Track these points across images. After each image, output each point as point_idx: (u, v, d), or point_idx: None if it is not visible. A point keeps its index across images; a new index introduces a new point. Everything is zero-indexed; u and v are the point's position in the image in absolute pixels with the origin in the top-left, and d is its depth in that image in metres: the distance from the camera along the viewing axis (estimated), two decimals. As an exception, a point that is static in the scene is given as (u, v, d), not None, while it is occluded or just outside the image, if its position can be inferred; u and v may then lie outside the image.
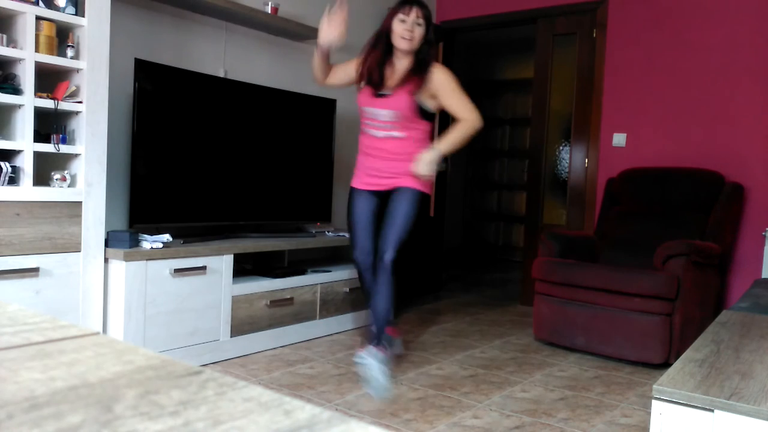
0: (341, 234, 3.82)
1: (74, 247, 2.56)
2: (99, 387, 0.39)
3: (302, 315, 3.40)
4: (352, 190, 2.87)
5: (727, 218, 3.61)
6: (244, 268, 3.38)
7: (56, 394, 0.37)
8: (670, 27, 4.04)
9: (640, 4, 4.15)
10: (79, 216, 2.58)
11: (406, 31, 2.61)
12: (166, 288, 2.77)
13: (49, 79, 2.57)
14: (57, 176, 2.51)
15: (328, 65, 2.81)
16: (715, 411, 1.19)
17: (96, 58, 2.59)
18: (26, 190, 2.41)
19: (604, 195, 4.13)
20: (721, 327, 1.83)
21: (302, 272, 3.43)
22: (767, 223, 3.71)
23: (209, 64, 3.47)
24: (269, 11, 3.59)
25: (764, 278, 3.29)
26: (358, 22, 4.46)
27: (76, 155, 2.59)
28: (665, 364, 3.09)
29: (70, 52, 2.54)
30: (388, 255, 2.66)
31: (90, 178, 2.60)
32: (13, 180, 2.39)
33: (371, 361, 2.58)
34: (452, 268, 6.51)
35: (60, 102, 2.50)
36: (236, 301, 3.05)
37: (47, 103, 2.46)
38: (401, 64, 2.69)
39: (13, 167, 2.39)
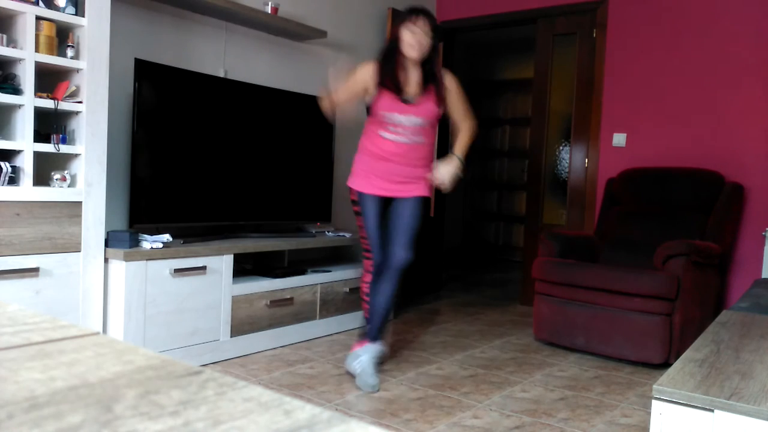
0: (341, 234, 3.82)
1: (74, 247, 2.56)
2: (99, 387, 0.39)
3: (302, 315, 3.40)
4: (363, 196, 2.82)
5: (727, 218, 3.61)
6: (244, 268, 3.38)
7: (56, 394, 0.37)
8: (670, 27, 4.04)
9: (640, 4, 4.15)
10: (79, 216, 2.58)
11: (415, 40, 2.68)
12: (166, 288, 2.77)
13: (49, 79, 2.57)
14: (57, 176, 2.51)
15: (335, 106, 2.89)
16: (715, 411, 1.19)
17: (96, 58, 2.59)
18: (26, 190, 2.41)
19: (604, 195, 4.13)
20: (721, 327, 1.83)
21: (302, 272, 3.43)
22: (767, 223, 3.71)
23: (209, 64, 3.48)
24: (269, 11, 3.59)
25: (764, 278, 3.29)
26: (359, 21, 4.46)
27: (76, 155, 2.59)
28: (665, 364, 3.09)
29: (70, 52, 2.54)
30: (408, 256, 2.80)
31: (90, 178, 2.60)
32: (13, 180, 2.39)
33: (365, 357, 2.76)
34: (452, 268, 6.51)
35: (60, 102, 2.50)
36: (236, 301, 3.05)
37: (47, 103, 2.46)
38: (412, 72, 2.76)
39: (13, 167, 2.39)
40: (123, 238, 2.70)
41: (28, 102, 2.41)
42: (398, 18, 2.85)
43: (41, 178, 2.53)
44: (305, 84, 4.04)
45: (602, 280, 3.23)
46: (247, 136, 3.40)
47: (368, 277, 2.89)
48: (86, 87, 2.56)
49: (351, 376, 2.81)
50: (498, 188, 7.50)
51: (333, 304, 3.60)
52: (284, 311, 3.30)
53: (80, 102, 2.56)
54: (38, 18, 2.43)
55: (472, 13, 4.88)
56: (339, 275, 3.62)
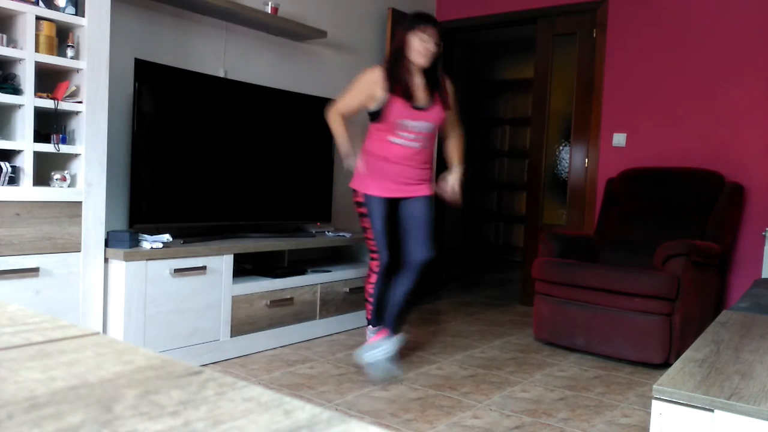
0: (341, 234, 3.82)
1: (74, 247, 2.56)
2: (99, 387, 0.39)
3: (302, 315, 3.40)
4: (370, 198, 2.85)
5: (727, 218, 3.61)
6: (244, 268, 3.39)
7: (56, 394, 0.37)
8: (670, 27, 4.04)
9: (640, 4, 4.15)
10: (79, 216, 2.58)
11: (425, 48, 2.74)
12: (166, 288, 2.77)
13: (49, 79, 2.57)
14: (57, 176, 2.51)
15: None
16: (715, 411, 1.19)
17: (96, 58, 2.59)
18: (26, 190, 2.41)
19: (604, 195, 4.13)
20: (721, 327, 1.83)
21: (302, 272, 3.43)
22: (767, 223, 3.71)
23: (209, 64, 3.48)
24: (269, 11, 3.59)
25: (764, 278, 3.29)
26: (359, 21, 4.46)
27: (76, 155, 2.59)
28: (665, 364, 3.09)
29: (70, 52, 2.54)
30: (429, 252, 2.89)
31: (90, 178, 2.60)
32: (13, 180, 2.39)
33: (384, 348, 2.86)
34: (452, 268, 6.51)
35: (60, 102, 2.50)
36: (236, 301, 3.05)
37: (47, 103, 2.46)
38: (417, 77, 2.81)
39: (13, 167, 2.39)
40: (123, 238, 2.70)
41: (28, 102, 2.41)
42: (401, 21, 2.89)
43: (41, 178, 2.53)
44: (305, 84, 4.04)
45: (602, 280, 3.23)
46: (247, 136, 3.40)
47: (374, 278, 2.91)
48: (86, 87, 2.56)
49: (360, 370, 2.82)
50: (498, 188, 7.50)
51: (333, 304, 3.60)
52: (284, 311, 3.30)
53: (80, 102, 2.56)
54: (38, 18, 2.43)
55: (472, 13, 4.88)
56: (339, 275, 3.62)
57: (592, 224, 4.28)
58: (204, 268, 2.91)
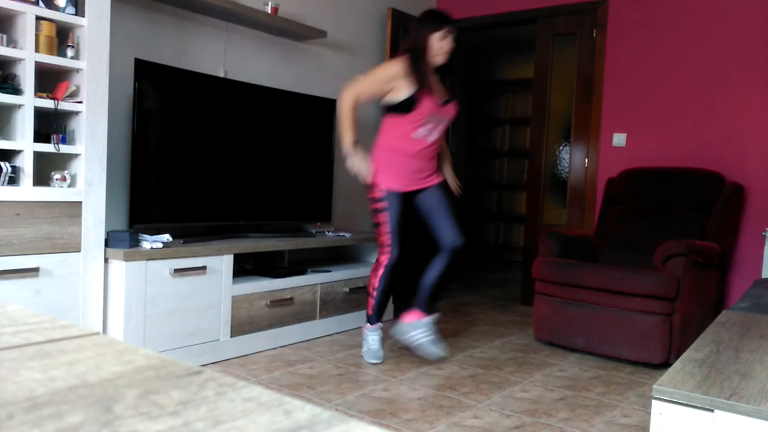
0: (341, 234, 3.82)
1: (74, 247, 2.56)
2: (99, 387, 0.39)
3: (302, 315, 3.40)
4: (392, 194, 2.95)
5: (727, 218, 3.61)
6: (244, 268, 3.39)
7: (56, 394, 0.37)
8: (669, 27, 4.04)
9: (640, 4, 4.15)
10: (79, 216, 2.58)
11: (443, 47, 2.90)
12: (166, 288, 2.77)
13: (49, 79, 2.57)
14: (57, 176, 2.51)
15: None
16: (715, 411, 1.19)
17: (96, 58, 2.59)
18: (26, 190, 2.41)
19: (604, 195, 4.13)
20: (721, 327, 1.83)
21: (302, 272, 3.43)
22: (767, 223, 3.71)
23: (209, 64, 3.48)
24: (269, 11, 3.59)
25: (764, 278, 3.28)
26: (359, 21, 4.46)
27: (76, 155, 2.59)
28: (665, 364, 3.09)
29: (70, 52, 2.54)
30: (461, 240, 3.03)
31: (90, 178, 2.60)
32: (13, 180, 2.39)
33: (424, 329, 3.04)
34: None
35: (60, 102, 2.50)
36: (236, 301, 3.05)
37: (47, 103, 2.46)
38: (433, 76, 2.97)
39: (13, 167, 2.39)
40: (123, 238, 2.70)
41: (28, 102, 2.41)
42: (416, 19, 3.03)
43: (41, 178, 2.53)
44: (305, 84, 4.04)
45: (602, 280, 3.23)
46: (247, 136, 3.40)
47: (381, 271, 3.05)
48: (86, 87, 2.56)
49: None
50: (498, 188, 7.50)
51: (333, 304, 3.60)
52: (284, 311, 3.30)
53: (80, 102, 2.56)
54: (38, 18, 2.43)
55: (472, 13, 4.88)
56: (339, 275, 3.63)
57: (592, 224, 4.28)
58: (204, 268, 2.91)
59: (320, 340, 3.44)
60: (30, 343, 0.48)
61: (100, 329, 2.67)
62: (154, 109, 2.96)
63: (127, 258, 2.63)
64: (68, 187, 2.55)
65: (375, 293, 3.05)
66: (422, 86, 2.85)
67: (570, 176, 4.50)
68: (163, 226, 3.04)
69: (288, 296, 3.31)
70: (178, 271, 2.81)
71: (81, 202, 2.58)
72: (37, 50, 2.43)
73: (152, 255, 2.71)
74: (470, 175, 7.58)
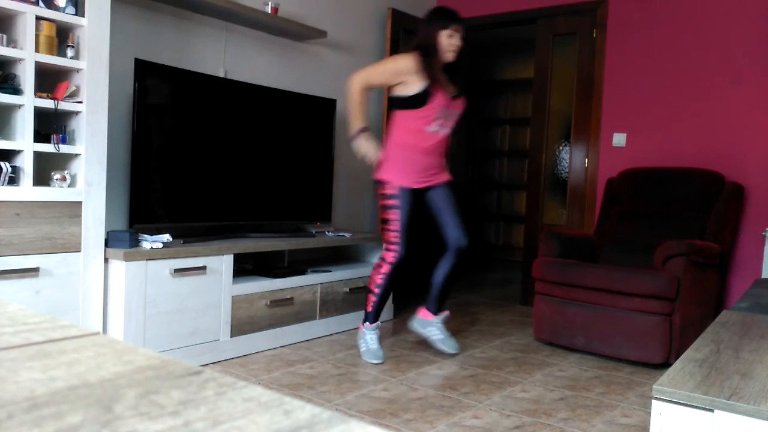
0: (341, 234, 3.82)
1: (74, 247, 2.56)
2: (99, 387, 0.39)
3: (302, 315, 3.40)
4: (403, 191, 2.97)
5: (727, 218, 3.61)
6: (244, 268, 3.39)
7: (56, 394, 0.37)
8: (669, 27, 4.04)
9: (640, 4, 4.15)
10: (79, 216, 2.58)
11: (453, 45, 2.93)
12: (166, 288, 2.77)
13: (49, 79, 2.57)
14: (57, 176, 2.51)
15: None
16: (715, 411, 1.19)
17: (96, 58, 2.59)
18: (26, 190, 2.41)
19: (604, 195, 4.13)
20: (721, 327, 1.83)
21: (302, 272, 3.43)
22: (767, 223, 3.71)
23: (209, 64, 3.48)
24: (269, 11, 3.59)
25: (764, 278, 3.29)
26: (359, 21, 4.46)
27: (76, 155, 2.59)
28: (665, 364, 3.09)
29: (70, 52, 2.54)
30: (466, 241, 3.10)
31: (90, 178, 2.60)
32: (13, 180, 2.39)
33: (438, 326, 3.17)
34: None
35: (60, 102, 2.50)
36: (236, 301, 3.05)
37: (47, 103, 2.46)
38: (442, 73, 3.00)
39: (13, 167, 2.39)
40: (123, 238, 2.70)
41: (28, 102, 2.41)
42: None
43: (41, 178, 2.53)
44: (305, 84, 4.04)
45: (602, 280, 3.23)
46: (247, 136, 3.40)
47: (386, 269, 2.98)
48: (86, 87, 2.56)
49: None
50: (498, 188, 7.50)
51: (333, 304, 3.60)
52: (284, 311, 3.30)
53: (80, 102, 2.56)
54: (38, 18, 2.43)
55: (472, 13, 4.88)
56: (339, 275, 3.62)
57: (592, 224, 4.28)
58: (204, 268, 2.91)
59: (320, 340, 3.44)
60: (30, 343, 0.48)
61: (100, 329, 2.67)
62: (154, 109, 2.96)
63: (127, 258, 2.63)
64: (68, 187, 2.55)
65: (377, 291, 3.05)
66: (434, 81, 2.88)
67: (570, 176, 4.50)
68: (163, 226, 3.04)
69: (288, 296, 3.31)
70: (178, 271, 2.81)
71: (81, 202, 2.58)
72: (37, 50, 2.43)
73: (152, 255, 2.71)
74: (470, 175, 7.58)
